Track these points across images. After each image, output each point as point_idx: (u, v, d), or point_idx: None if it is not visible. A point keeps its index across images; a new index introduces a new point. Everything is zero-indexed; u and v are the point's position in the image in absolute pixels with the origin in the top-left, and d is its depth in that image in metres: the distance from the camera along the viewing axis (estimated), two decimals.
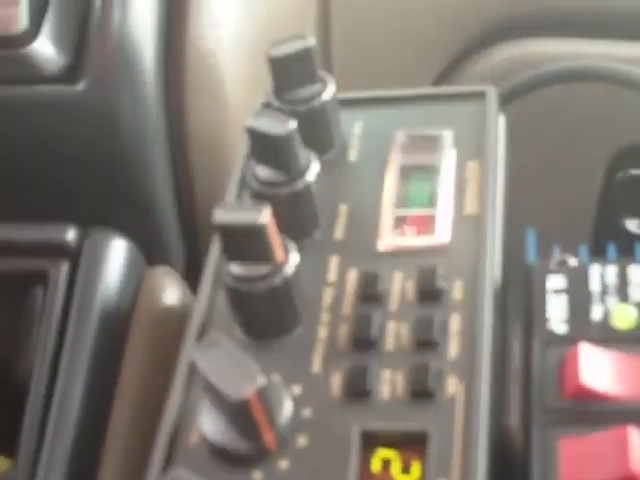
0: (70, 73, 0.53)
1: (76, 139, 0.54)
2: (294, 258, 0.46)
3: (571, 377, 0.43)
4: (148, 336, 0.50)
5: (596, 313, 0.46)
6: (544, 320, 0.46)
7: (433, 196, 0.50)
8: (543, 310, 0.46)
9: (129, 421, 0.47)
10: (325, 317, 0.47)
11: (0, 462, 0.47)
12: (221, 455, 0.43)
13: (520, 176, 0.53)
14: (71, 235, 0.51)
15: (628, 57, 0.65)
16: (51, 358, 0.47)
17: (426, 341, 0.45)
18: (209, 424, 0.43)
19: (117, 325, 0.49)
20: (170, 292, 0.52)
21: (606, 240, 0.50)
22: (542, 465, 0.41)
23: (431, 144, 0.53)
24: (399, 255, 0.48)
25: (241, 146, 0.53)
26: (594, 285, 0.47)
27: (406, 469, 0.42)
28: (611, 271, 0.47)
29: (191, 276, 0.54)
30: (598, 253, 0.49)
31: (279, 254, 0.45)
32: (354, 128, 0.55)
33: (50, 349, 0.47)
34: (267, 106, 0.52)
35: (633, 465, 0.40)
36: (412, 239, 0.49)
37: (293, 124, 0.48)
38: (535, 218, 0.53)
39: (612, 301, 0.46)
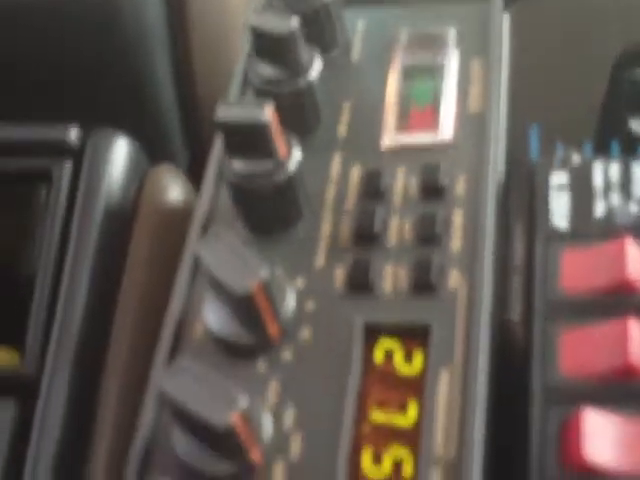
0: None
1: (77, 39, 0.53)
2: (297, 155, 0.46)
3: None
4: (152, 233, 0.50)
5: (599, 210, 0.46)
6: (546, 216, 0.46)
7: (437, 94, 0.50)
8: (546, 207, 0.46)
9: (134, 316, 0.48)
10: (328, 213, 0.47)
11: (9, 355, 0.48)
12: (226, 347, 0.43)
13: (524, 74, 0.53)
14: (74, 134, 0.51)
15: None
16: (55, 256, 0.47)
17: (428, 236, 0.45)
18: (213, 317, 0.44)
19: (121, 222, 0.50)
20: (173, 189, 0.52)
21: (610, 138, 0.50)
22: (543, 357, 0.42)
23: (434, 42, 0.53)
24: (402, 152, 0.48)
25: (243, 45, 0.53)
26: (597, 182, 0.47)
27: (409, 360, 0.42)
28: (614, 168, 0.47)
29: (194, 176, 0.54)
30: (602, 150, 0.49)
31: (282, 151, 0.45)
32: (357, 27, 0.54)
33: (54, 247, 0.48)
34: (269, 4, 0.52)
35: (632, 356, 0.40)
36: (416, 136, 0.49)
37: (295, 22, 0.47)
38: (539, 115, 0.53)
39: (615, 199, 0.46)
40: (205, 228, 0.47)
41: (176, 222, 0.50)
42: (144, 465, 0.41)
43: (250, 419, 0.39)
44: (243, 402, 0.38)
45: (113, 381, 0.45)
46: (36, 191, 0.51)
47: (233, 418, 0.38)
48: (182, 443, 0.40)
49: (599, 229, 0.45)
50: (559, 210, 0.46)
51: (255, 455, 0.40)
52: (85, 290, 0.46)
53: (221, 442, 0.39)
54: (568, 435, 0.39)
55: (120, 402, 0.45)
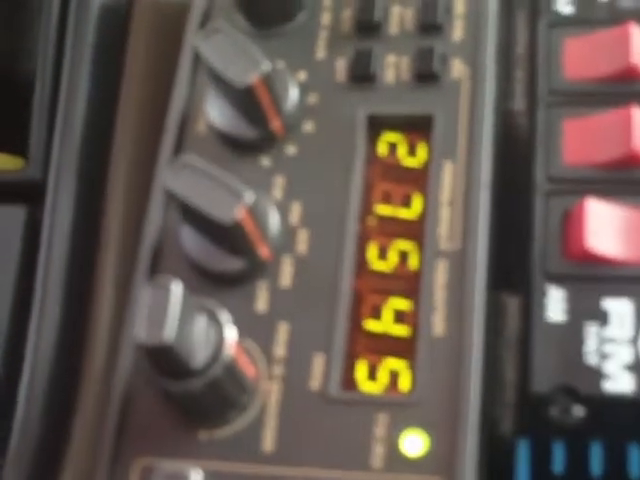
0: None
1: None
2: None
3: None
4: (149, 28, 0.49)
5: None
6: (550, 1, 0.45)
7: None
8: None
9: (136, 115, 0.47)
10: (328, 2, 0.46)
11: (13, 161, 0.48)
12: (229, 143, 0.43)
13: None
14: None
15: None
16: (53, 55, 0.46)
17: (430, 24, 0.44)
18: (216, 113, 0.44)
19: (117, 18, 0.48)
20: None
21: None
22: (546, 147, 0.42)
23: None
24: None
25: None
26: None
27: (412, 152, 0.43)
28: None
29: None
30: None
31: None
32: None
33: (52, 46, 0.46)
34: None
35: (635, 144, 0.40)
36: None
37: None
38: None
39: None
40: (204, 23, 0.46)
41: (174, 18, 0.49)
42: (154, 265, 0.42)
43: (256, 214, 0.40)
44: (249, 197, 0.38)
45: (118, 184, 0.45)
46: None
47: (240, 212, 0.38)
48: (191, 242, 0.41)
49: (604, 13, 0.44)
50: None
51: (263, 251, 0.40)
52: (85, 87, 0.46)
53: (229, 238, 0.40)
54: (571, 225, 0.40)
55: (125, 205, 0.45)
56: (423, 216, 0.41)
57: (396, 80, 0.44)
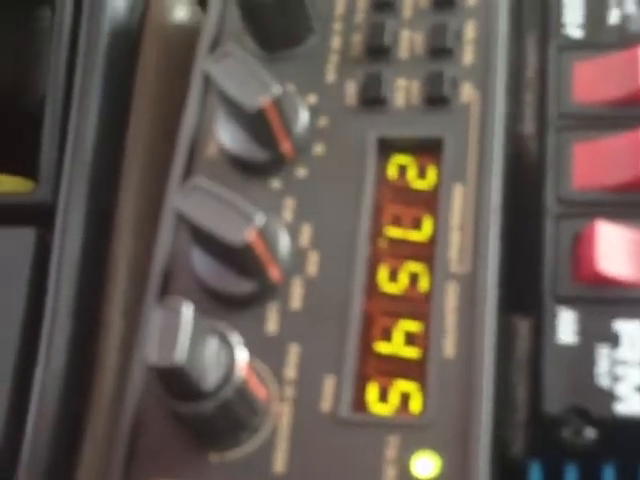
0: None
1: None
2: None
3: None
4: (159, 54, 0.49)
5: (613, 17, 0.45)
6: (559, 25, 0.45)
7: None
8: (559, 14, 0.46)
9: (146, 139, 0.47)
10: (338, 26, 0.46)
11: (23, 183, 0.48)
12: (240, 165, 0.44)
13: None
14: None
15: None
16: (64, 78, 0.47)
17: (440, 48, 0.45)
18: (227, 136, 0.44)
19: (128, 42, 0.49)
20: (179, 10, 0.51)
21: None
22: (556, 170, 0.42)
23: None
24: None
25: None
26: None
27: (422, 175, 0.43)
28: None
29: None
30: None
31: None
32: None
33: (62, 69, 0.47)
34: None
35: None
36: None
37: None
38: None
39: (630, 6, 0.45)
40: (214, 45, 0.47)
41: (183, 44, 0.49)
42: (164, 287, 0.42)
43: (267, 236, 0.40)
44: (259, 219, 0.39)
45: (128, 206, 0.45)
46: (40, 14, 0.50)
47: (250, 235, 0.38)
48: (201, 264, 0.41)
49: (613, 37, 0.44)
50: (573, 18, 0.45)
51: (273, 273, 0.40)
52: (96, 111, 0.46)
53: (239, 260, 0.40)
54: (581, 248, 0.39)
55: (135, 227, 0.45)
56: (433, 239, 0.41)
57: (406, 103, 0.44)
